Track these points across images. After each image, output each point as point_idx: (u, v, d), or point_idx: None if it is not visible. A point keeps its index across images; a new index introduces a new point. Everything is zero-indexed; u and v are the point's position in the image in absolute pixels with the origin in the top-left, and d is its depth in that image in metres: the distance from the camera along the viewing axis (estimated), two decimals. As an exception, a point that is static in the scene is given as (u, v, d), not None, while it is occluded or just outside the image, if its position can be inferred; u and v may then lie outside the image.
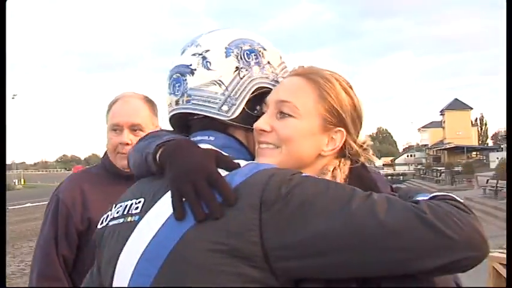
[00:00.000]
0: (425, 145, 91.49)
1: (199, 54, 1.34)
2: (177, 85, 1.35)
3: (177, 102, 1.35)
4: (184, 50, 1.37)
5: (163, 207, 1.18)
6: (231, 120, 1.33)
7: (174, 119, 1.40)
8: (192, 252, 1.10)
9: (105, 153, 2.47)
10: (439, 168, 49.54)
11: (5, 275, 0.86)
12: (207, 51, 1.34)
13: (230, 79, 1.33)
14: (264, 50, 1.39)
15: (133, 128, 2.35)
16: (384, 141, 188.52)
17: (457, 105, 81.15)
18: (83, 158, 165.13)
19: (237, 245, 1.08)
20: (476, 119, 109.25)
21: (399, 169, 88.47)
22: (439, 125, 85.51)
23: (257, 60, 1.37)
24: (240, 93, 1.34)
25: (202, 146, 1.30)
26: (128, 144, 2.30)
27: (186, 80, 1.33)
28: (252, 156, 1.35)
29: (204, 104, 1.32)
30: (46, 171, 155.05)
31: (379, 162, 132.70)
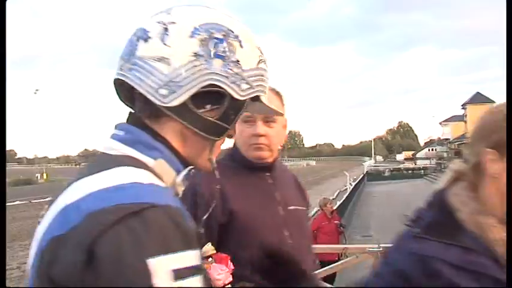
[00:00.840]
0: (447, 139, 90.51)
1: (163, 24, 1.16)
2: (129, 48, 1.18)
3: (121, 67, 1.18)
4: (157, 14, 1.21)
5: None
6: (166, 108, 1.14)
7: (118, 85, 1.23)
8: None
9: (234, 145, 2.43)
10: (460, 163, 48.81)
11: (5, 275, 1.01)
12: (173, 23, 1.17)
13: (182, 63, 1.14)
14: (241, 47, 1.18)
15: (266, 120, 2.34)
16: (405, 136, 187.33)
17: (479, 98, 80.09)
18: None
19: None
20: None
21: (420, 163, 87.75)
22: (461, 118, 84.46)
23: (224, 54, 1.16)
24: (188, 83, 1.14)
25: (112, 142, 1.16)
26: (262, 135, 2.31)
27: (137, 45, 1.16)
28: (180, 162, 1.18)
29: (143, 78, 1.14)
30: (68, 165, 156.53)
31: (400, 157, 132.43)
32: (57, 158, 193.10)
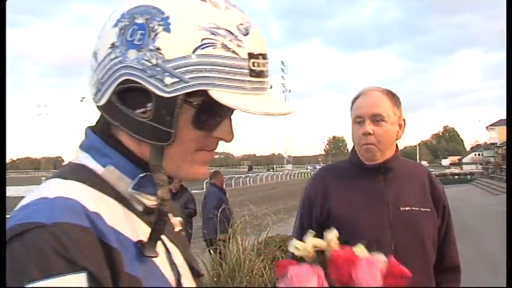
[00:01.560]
0: (494, 143, 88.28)
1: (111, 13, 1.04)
2: None
3: None
4: None
5: None
6: (98, 107, 1.05)
7: None
8: None
9: (353, 147, 2.53)
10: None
11: (5, 275, 0.94)
12: (114, 11, 1.03)
13: (103, 56, 1.01)
14: (167, 31, 0.96)
15: (374, 119, 2.41)
16: (450, 140, 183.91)
17: (527, 101, 78.09)
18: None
19: None
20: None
21: (466, 168, 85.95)
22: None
23: (139, 43, 0.97)
24: (107, 79, 1.01)
25: (76, 148, 1.10)
26: (370, 134, 2.38)
27: None
28: (136, 167, 1.05)
29: (88, 75, 1.06)
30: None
31: (445, 162, 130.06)
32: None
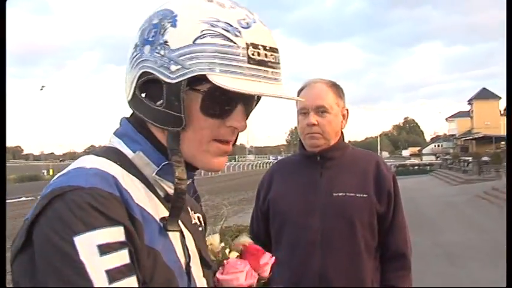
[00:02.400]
0: (453, 135, 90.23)
1: None
2: None
3: None
4: None
5: None
6: (128, 103, 1.19)
7: None
8: None
9: (299, 139, 2.65)
10: (466, 158, 48.80)
11: (5, 275, 1.02)
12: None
13: (129, 57, 1.17)
14: (173, 26, 1.10)
15: (317, 110, 2.50)
16: (411, 132, 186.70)
17: (485, 94, 79.74)
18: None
19: None
20: (505, 108, 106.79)
21: (426, 159, 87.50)
22: (467, 114, 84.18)
23: (152, 39, 1.12)
24: (131, 75, 1.15)
25: (111, 135, 1.22)
26: (314, 124, 2.48)
27: None
28: (161, 155, 1.16)
29: None
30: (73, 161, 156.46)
31: (406, 153, 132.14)
32: (64, 154, 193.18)
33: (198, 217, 1.36)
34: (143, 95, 1.14)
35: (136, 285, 1.00)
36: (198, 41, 1.07)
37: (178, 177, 1.12)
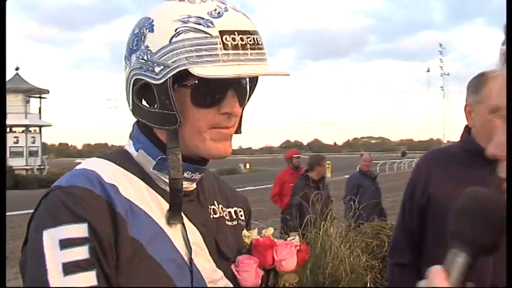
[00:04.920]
0: None
1: None
2: None
3: None
4: None
5: None
6: (132, 112, 1.27)
7: None
8: None
9: (465, 128, 2.43)
10: None
11: (5, 274, 1.07)
12: None
13: (123, 70, 1.27)
14: (151, 31, 1.19)
15: None
16: None
17: None
18: (305, 143, 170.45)
19: None
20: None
21: None
22: None
23: (136, 47, 1.21)
24: (127, 86, 1.24)
25: (128, 139, 1.32)
26: None
27: None
28: (160, 151, 1.25)
29: None
30: (271, 156, 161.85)
31: None
32: (260, 149, 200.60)
33: (232, 211, 1.42)
34: (142, 101, 1.24)
35: (94, 280, 1.09)
36: (174, 40, 1.15)
37: (173, 178, 1.21)
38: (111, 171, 1.19)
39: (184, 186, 1.22)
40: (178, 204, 1.21)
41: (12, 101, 49.07)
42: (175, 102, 1.15)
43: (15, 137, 51.52)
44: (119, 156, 1.26)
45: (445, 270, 0.92)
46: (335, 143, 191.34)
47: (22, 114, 51.25)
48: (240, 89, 1.22)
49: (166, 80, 1.14)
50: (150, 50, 1.17)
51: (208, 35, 1.13)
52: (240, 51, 1.14)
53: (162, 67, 1.15)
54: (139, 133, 1.27)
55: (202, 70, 1.12)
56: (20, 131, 53.16)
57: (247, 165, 76.02)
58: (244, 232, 1.39)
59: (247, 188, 33.91)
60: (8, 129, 51.20)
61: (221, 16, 1.15)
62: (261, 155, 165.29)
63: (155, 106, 1.18)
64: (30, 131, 53.54)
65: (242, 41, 1.14)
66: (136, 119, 1.28)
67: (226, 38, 1.13)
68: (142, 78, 1.18)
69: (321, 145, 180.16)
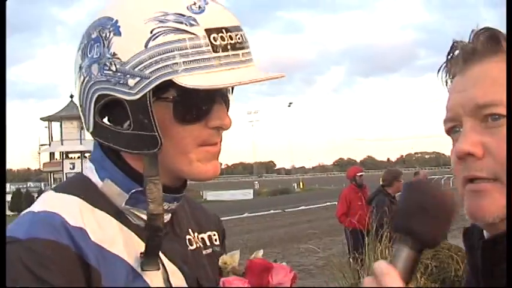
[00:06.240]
0: None
1: None
2: None
3: None
4: None
5: None
6: (92, 134, 1.05)
7: None
8: None
9: None
10: None
11: (5, 274, 0.94)
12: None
13: (76, 83, 1.04)
14: (117, 35, 0.96)
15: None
16: None
17: None
18: (358, 161, 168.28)
19: None
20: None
21: None
22: None
23: (98, 55, 0.98)
24: (85, 102, 1.02)
25: (87, 161, 1.13)
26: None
27: None
28: (132, 182, 1.04)
29: None
30: (324, 174, 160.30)
31: None
32: (313, 168, 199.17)
33: (205, 237, 1.24)
34: (105, 120, 1.02)
35: None
36: (150, 44, 0.95)
37: (152, 213, 1.00)
38: (77, 210, 0.99)
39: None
40: (156, 247, 1.02)
41: (68, 128, 50.86)
42: (155, 121, 0.95)
43: (71, 163, 53.16)
44: (80, 187, 1.05)
45: (391, 265, 0.86)
46: (388, 159, 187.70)
47: (77, 140, 52.37)
48: (226, 97, 1.06)
49: (145, 94, 0.94)
50: (118, 59, 0.95)
51: (193, 36, 0.94)
52: (230, 53, 0.97)
53: (137, 79, 0.94)
54: (103, 158, 1.05)
55: (191, 80, 0.93)
56: (76, 157, 54.52)
57: (301, 185, 75.65)
58: (224, 257, 1.19)
59: (301, 208, 34.07)
60: (64, 156, 53.29)
61: (203, 11, 0.97)
62: (314, 174, 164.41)
63: (126, 126, 0.98)
64: (85, 156, 54.64)
65: (231, 39, 0.97)
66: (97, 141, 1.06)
67: (214, 38, 0.95)
68: (110, 93, 0.96)
69: (374, 162, 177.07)
